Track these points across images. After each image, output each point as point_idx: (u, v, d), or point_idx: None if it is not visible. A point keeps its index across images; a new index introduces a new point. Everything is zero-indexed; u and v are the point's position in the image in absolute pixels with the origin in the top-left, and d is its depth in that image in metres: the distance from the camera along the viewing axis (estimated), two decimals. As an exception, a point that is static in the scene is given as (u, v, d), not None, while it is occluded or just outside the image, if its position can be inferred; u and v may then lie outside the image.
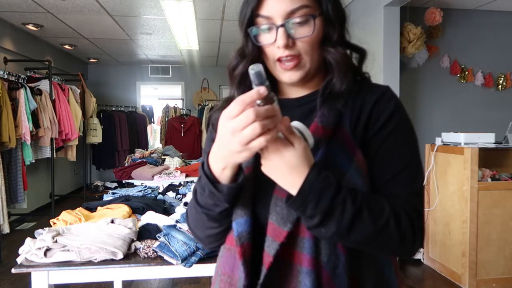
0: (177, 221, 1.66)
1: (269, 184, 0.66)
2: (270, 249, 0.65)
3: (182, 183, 2.99)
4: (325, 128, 0.69)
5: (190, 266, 1.45)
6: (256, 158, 0.69)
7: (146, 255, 1.50)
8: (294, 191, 0.61)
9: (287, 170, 0.61)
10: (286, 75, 0.72)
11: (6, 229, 3.77)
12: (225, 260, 0.74)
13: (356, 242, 0.64)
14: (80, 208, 1.95)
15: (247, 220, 0.69)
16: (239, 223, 0.69)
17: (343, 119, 0.71)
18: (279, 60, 0.71)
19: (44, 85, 4.92)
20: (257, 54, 0.73)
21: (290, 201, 0.62)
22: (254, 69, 0.56)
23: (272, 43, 0.70)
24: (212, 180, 0.66)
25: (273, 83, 0.80)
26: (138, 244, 1.56)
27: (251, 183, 0.71)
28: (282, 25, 0.68)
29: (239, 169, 0.66)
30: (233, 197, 0.67)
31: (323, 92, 0.73)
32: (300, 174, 0.60)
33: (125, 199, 2.10)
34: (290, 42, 0.69)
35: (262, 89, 0.55)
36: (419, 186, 0.71)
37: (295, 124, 0.64)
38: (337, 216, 0.61)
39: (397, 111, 0.72)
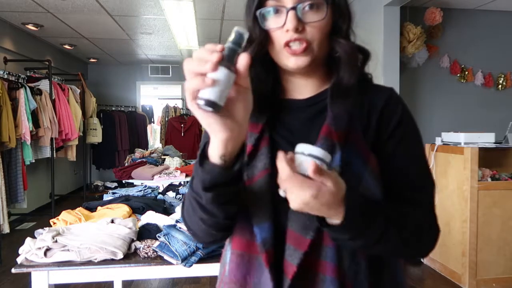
0: (177, 221, 1.66)
1: None
2: (292, 258, 0.63)
3: (182, 183, 2.99)
4: (339, 133, 0.68)
5: (190, 266, 1.45)
6: (273, 161, 0.68)
7: (146, 255, 1.50)
8: (335, 221, 0.60)
9: (322, 208, 0.57)
10: (293, 60, 0.69)
11: (6, 229, 3.77)
12: (235, 267, 0.69)
13: (379, 252, 0.67)
14: (80, 208, 1.95)
15: (270, 226, 0.66)
16: (262, 228, 0.66)
17: (354, 122, 0.70)
18: (286, 45, 0.68)
19: (44, 85, 4.92)
20: (265, 38, 0.70)
21: (334, 231, 0.60)
22: (241, 30, 0.54)
23: (281, 26, 0.67)
24: (204, 153, 0.60)
25: (278, 83, 0.77)
26: (138, 244, 1.56)
27: (268, 186, 0.67)
28: (293, 8, 0.66)
29: (238, 160, 0.60)
30: (213, 184, 0.59)
31: (332, 92, 0.71)
32: (338, 208, 0.58)
33: (125, 199, 2.10)
34: (300, 26, 0.67)
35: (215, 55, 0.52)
36: (433, 189, 0.73)
37: (307, 149, 0.57)
38: (367, 233, 0.62)
39: (405, 115, 0.73)
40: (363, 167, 0.67)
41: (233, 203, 0.64)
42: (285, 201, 0.59)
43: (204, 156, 0.60)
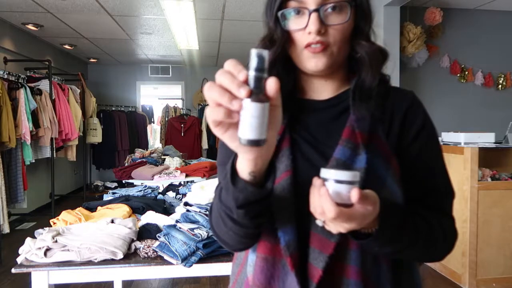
0: (177, 221, 1.66)
1: (309, 191, 0.62)
2: (317, 261, 0.63)
3: (182, 183, 2.99)
4: (363, 134, 0.67)
5: (190, 266, 1.46)
6: (295, 162, 0.68)
7: (146, 255, 1.51)
8: (366, 231, 0.61)
9: (360, 227, 0.58)
10: (313, 61, 0.68)
11: (6, 229, 3.77)
12: (259, 270, 0.68)
13: (402, 257, 0.68)
14: (80, 208, 1.95)
15: (293, 228, 0.65)
16: (286, 231, 0.65)
17: (376, 125, 0.70)
18: (307, 46, 0.67)
19: (44, 85, 4.92)
20: (287, 39, 0.69)
21: (365, 241, 0.61)
22: (260, 52, 0.48)
23: (303, 28, 0.67)
24: (234, 170, 0.58)
25: (297, 83, 0.77)
26: (138, 244, 1.56)
27: (291, 187, 0.66)
28: (316, 10, 0.65)
29: (268, 176, 0.59)
30: (247, 203, 0.57)
31: (354, 94, 0.71)
32: (373, 223, 0.59)
33: (125, 199, 2.10)
34: (323, 28, 0.66)
35: (244, 91, 0.48)
36: (453, 195, 0.75)
37: (336, 175, 0.55)
38: (396, 242, 0.63)
39: (427, 120, 0.74)
40: (385, 169, 0.67)
41: (265, 213, 0.63)
42: (307, 202, 0.58)
43: (233, 170, 0.58)
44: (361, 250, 0.64)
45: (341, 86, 0.75)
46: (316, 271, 0.63)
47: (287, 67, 0.73)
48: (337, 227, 0.55)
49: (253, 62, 0.48)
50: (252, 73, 0.48)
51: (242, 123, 0.49)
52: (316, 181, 0.56)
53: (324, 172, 0.55)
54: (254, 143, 0.50)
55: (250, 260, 0.71)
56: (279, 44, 0.69)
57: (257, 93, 0.48)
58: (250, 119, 0.48)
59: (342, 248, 0.64)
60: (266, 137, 0.50)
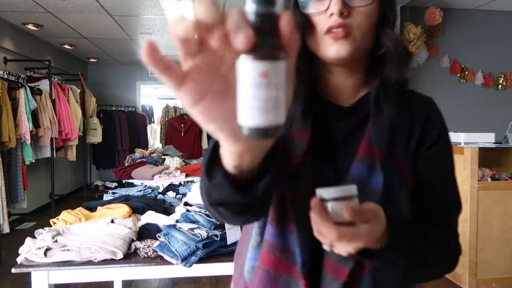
0: (177, 221, 1.66)
1: None
2: (330, 287, 0.62)
3: (182, 183, 2.99)
4: (380, 151, 0.64)
5: (190, 266, 1.46)
6: (316, 179, 0.64)
7: (146, 255, 1.51)
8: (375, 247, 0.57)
9: (368, 245, 0.54)
10: (334, 48, 0.61)
11: (6, 229, 3.77)
12: (258, 282, 0.66)
13: (410, 278, 0.66)
14: (80, 208, 1.95)
15: (311, 250, 0.63)
16: (304, 251, 0.63)
17: (395, 137, 0.67)
18: (328, 31, 0.61)
19: (44, 85, 4.92)
20: (306, 23, 0.63)
21: (376, 261, 0.58)
22: None
23: (324, 11, 0.61)
24: (214, 157, 0.46)
25: (320, 83, 0.71)
26: (138, 244, 1.56)
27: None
28: None
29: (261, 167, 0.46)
30: (221, 203, 0.50)
31: (377, 94, 0.66)
32: (381, 239, 0.55)
33: (125, 199, 2.10)
34: (345, 10, 0.60)
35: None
36: (460, 210, 0.72)
37: (328, 193, 0.49)
38: (404, 256, 0.60)
39: (443, 129, 0.71)
40: (400, 187, 0.65)
41: (257, 208, 0.55)
42: None
43: (214, 160, 0.46)
44: (373, 276, 0.63)
45: (361, 87, 0.70)
46: None
47: (307, 61, 0.67)
48: (345, 248, 0.52)
49: None
50: (253, 8, 0.28)
51: (242, 100, 0.31)
52: (313, 202, 0.49)
53: (319, 192, 0.50)
54: (263, 134, 0.30)
55: (249, 267, 0.69)
56: (298, 29, 0.59)
57: (265, 43, 0.29)
58: (254, 92, 0.29)
59: (355, 275, 0.63)
60: (283, 121, 0.31)
